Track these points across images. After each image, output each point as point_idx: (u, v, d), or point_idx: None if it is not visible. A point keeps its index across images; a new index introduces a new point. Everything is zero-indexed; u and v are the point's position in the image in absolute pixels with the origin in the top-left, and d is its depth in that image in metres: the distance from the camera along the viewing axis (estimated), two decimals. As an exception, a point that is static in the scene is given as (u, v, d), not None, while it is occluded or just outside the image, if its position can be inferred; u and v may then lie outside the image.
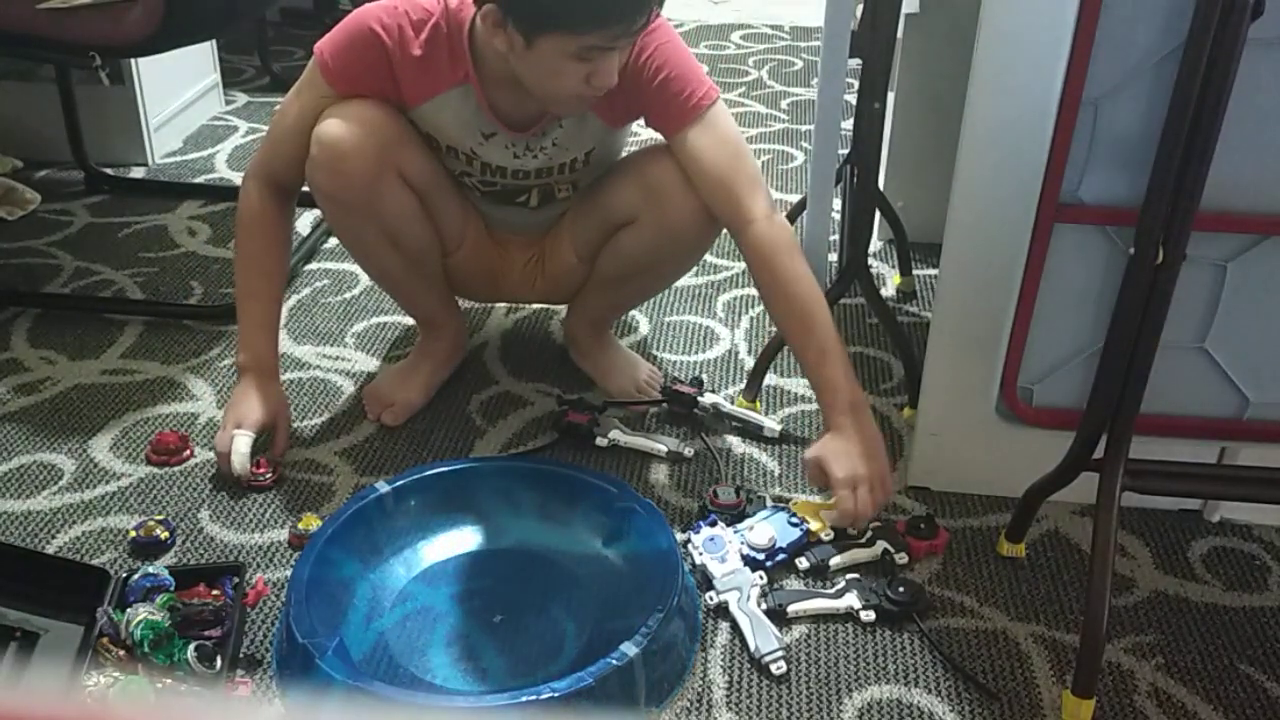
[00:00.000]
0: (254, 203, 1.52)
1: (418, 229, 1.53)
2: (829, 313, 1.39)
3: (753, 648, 1.24)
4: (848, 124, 2.23)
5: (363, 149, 1.40)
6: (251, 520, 1.45)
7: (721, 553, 1.34)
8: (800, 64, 3.16)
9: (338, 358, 1.79)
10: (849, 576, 1.34)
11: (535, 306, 1.92)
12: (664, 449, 1.54)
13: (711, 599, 1.31)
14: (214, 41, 2.71)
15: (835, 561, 1.36)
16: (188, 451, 1.55)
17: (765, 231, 1.40)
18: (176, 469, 1.53)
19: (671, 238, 1.50)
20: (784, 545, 1.36)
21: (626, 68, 1.38)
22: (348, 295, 1.96)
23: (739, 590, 1.30)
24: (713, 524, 1.39)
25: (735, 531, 1.37)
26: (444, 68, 1.42)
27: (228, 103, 2.81)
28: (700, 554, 1.35)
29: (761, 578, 1.32)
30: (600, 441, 1.55)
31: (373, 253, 1.54)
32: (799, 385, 1.72)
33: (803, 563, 1.36)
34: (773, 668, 1.22)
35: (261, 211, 1.52)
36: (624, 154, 1.60)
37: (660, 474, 1.53)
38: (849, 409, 1.35)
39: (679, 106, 1.41)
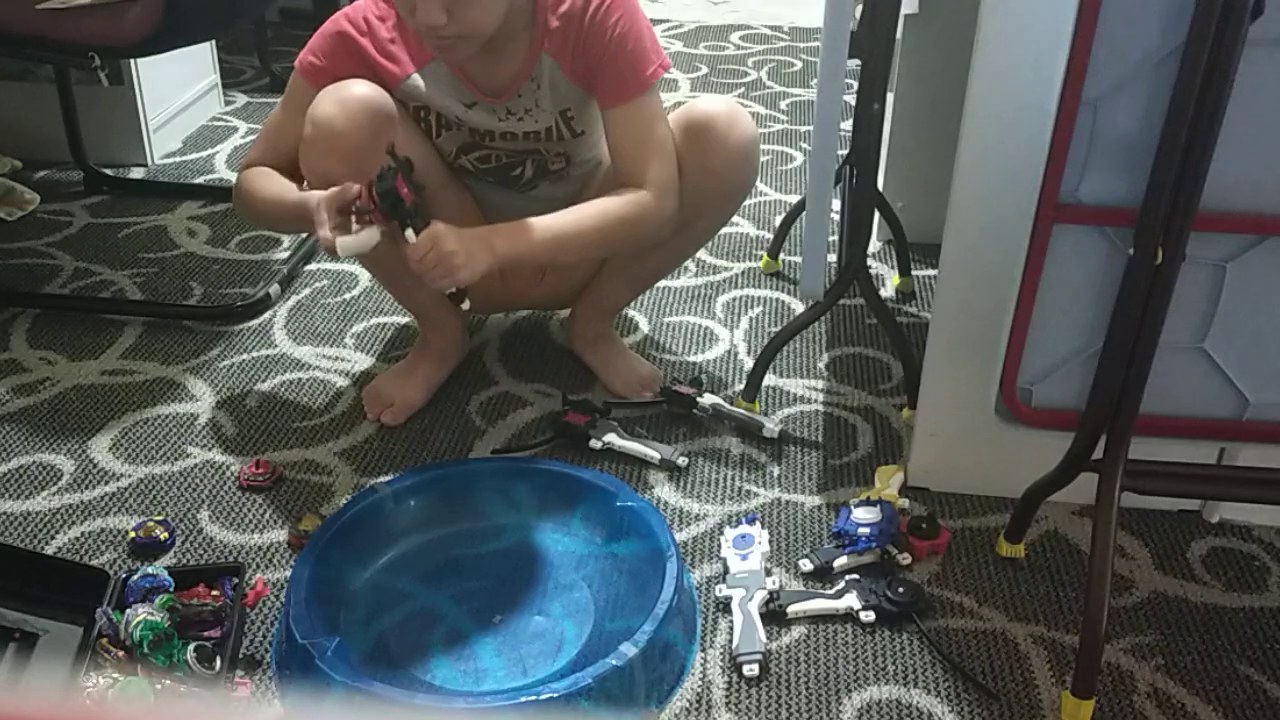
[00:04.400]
0: (248, 171, 1.52)
1: None
2: (588, 232, 1.46)
3: (734, 646, 1.24)
4: (847, 124, 2.23)
5: (357, 129, 1.42)
6: (251, 520, 1.44)
7: (746, 550, 1.35)
8: (799, 65, 3.16)
9: (337, 358, 1.79)
10: (849, 577, 1.34)
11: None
12: (657, 456, 1.54)
13: (720, 591, 1.32)
14: (213, 42, 2.71)
15: (840, 563, 1.36)
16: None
17: (644, 197, 1.46)
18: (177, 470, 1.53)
19: (714, 179, 1.53)
20: (879, 530, 1.38)
21: (585, 23, 1.43)
22: (347, 296, 1.96)
23: (745, 589, 1.30)
24: (752, 523, 1.40)
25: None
26: (414, 45, 1.47)
27: (227, 103, 2.81)
28: (726, 545, 1.37)
29: (774, 582, 1.32)
30: (594, 444, 1.55)
31: None
32: (798, 386, 1.72)
33: (806, 564, 1.36)
34: (745, 669, 1.22)
35: (259, 170, 1.51)
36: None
37: (659, 475, 1.53)
38: (492, 235, 1.42)
39: (624, 82, 1.46)
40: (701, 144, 1.50)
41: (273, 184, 1.49)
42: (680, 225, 1.58)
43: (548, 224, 1.44)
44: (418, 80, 1.49)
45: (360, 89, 1.43)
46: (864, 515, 1.39)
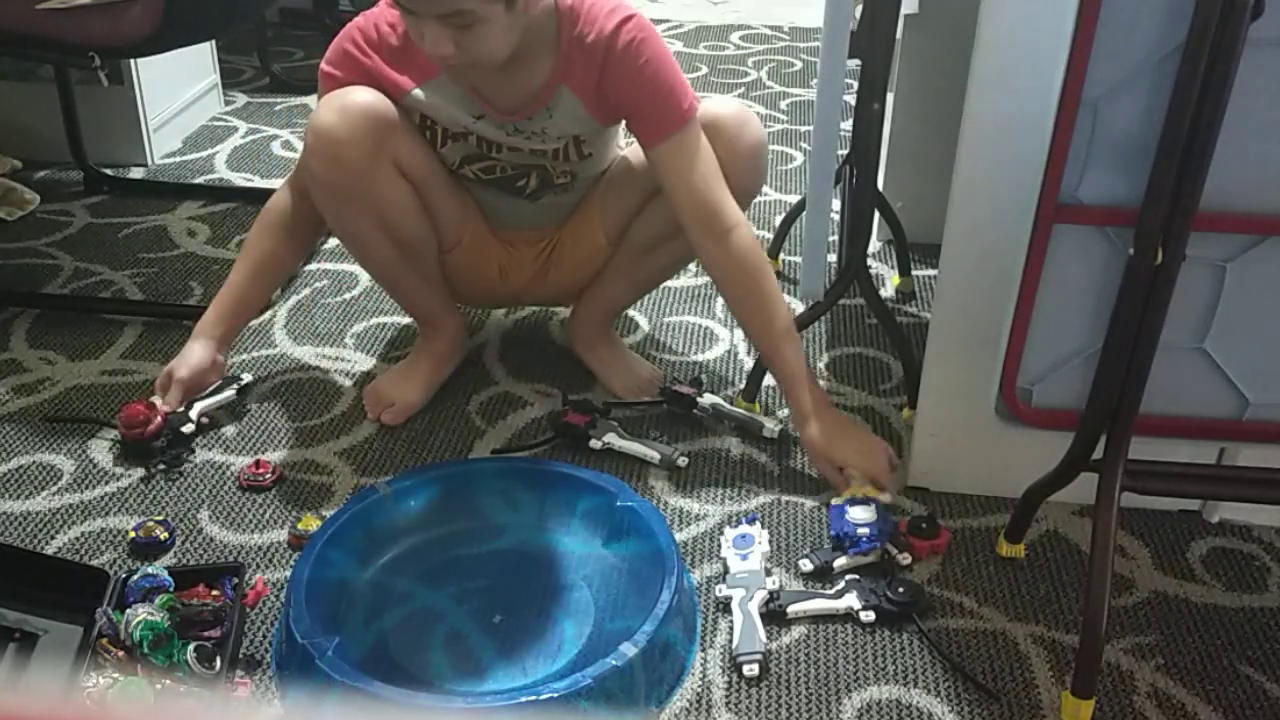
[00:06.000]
0: (275, 198, 1.62)
1: (413, 220, 1.54)
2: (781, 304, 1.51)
3: (734, 646, 1.24)
4: (847, 124, 2.23)
5: (358, 137, 1.42)
6: (251, 520, 1.44)
7: (746, 550, 1.35)
8: (799, 65, 3.16)
9: (337, 358, 1.79)
10: (849, 577, 1.34)
11: (534, 307, 1.92)
12: (657, 456, 1.54)
13: (720, 591, 1.31)
14: (213, 42, 2.71)
15: (840, 563, 1.36)
16: (159, 420, 1.56)
17: (746, 237, 1.48)
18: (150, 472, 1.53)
19: (727, 176, 1.51)
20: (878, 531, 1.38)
21: (611, 58, 1.42)
22: (347, 296, 1.96)
23: (745, 589, 1.30)
24: (752, 523, 1.40)
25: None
26: (423, 56, 1.44)
27: (227, 103, 2.81)
28: (726, 545, 1.37)
29: (774, 582, 1.32)
30: (594, 444, 1.55)
31: (368, 244, 1.55)
32: (798, 386, 1.72)
33: (806, 565, 1.36)
34: (745, 669, 1.22)
35: (275, 205, 1.62)
36: (617, 157, 1.63)
37: (659, 474, 1.53)
38: (821, 399, 1.49)
39: (665, 116, 1.44)
40: (711, 143, 1.50)
41: (241, 255, 1.61)
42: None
43: (785, 333, 1.49)
44: (426, 91, 1.48)
45: (361, 96, 1.43)
46: (860, 515, 1.39)
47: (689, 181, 1.46)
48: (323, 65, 1.50)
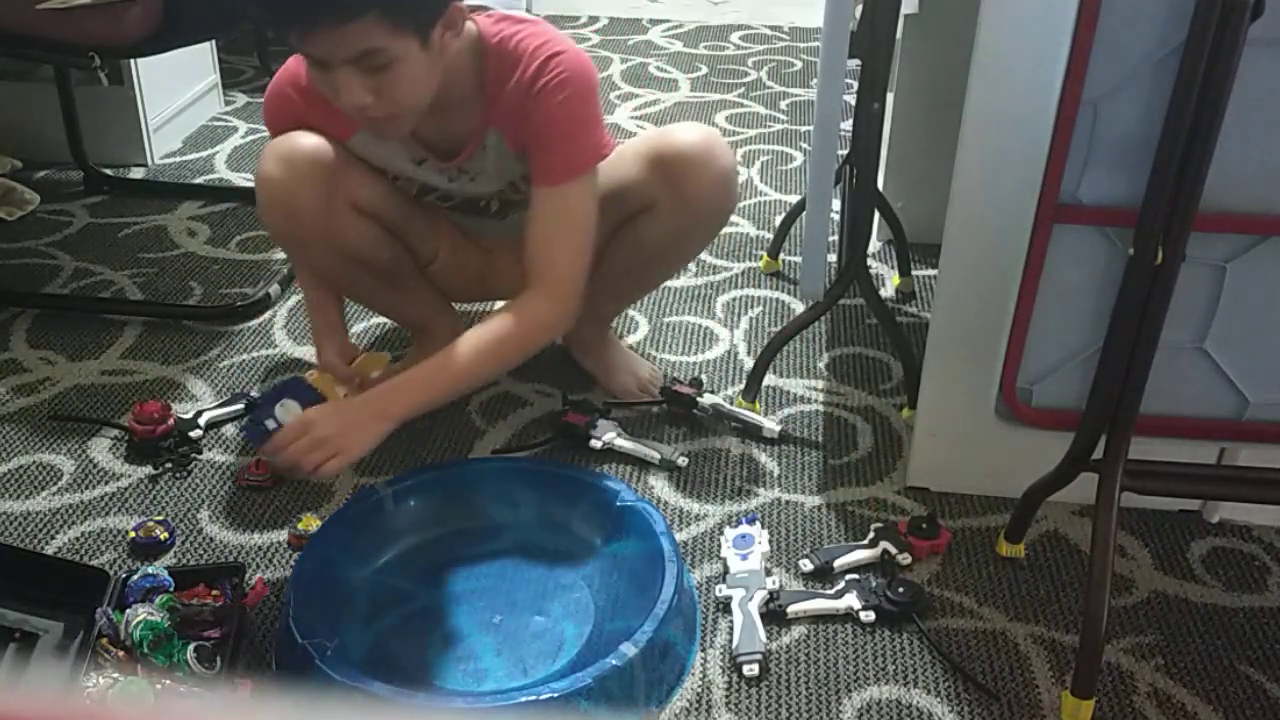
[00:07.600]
0: None
1: (383, 250, 1.53)
2: (488, 362, 1.38)
3: (734, 646, 1.24)
4: (847, 124, 2.23)
5: (307, 187, 1.39)
6: (251, 520, 1.44)
7: (746, 550, 1.35)
8: (799, 65, 3.16)
9: (337, 358, 1.79)
10: (849, 577, 1.34)
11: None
12: (658, 456, 1.54)
13: (720, 591, 1.32)
14: (213, 42, 2.71)
15: (840, 563, 1.36)
16: (170, 421, 1.57)
17: (540, 307, 1.38)
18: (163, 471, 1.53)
19: (692, 214, 1.49)
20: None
21: (531, 94, 1.35)
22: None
23: (745, 589, 1.30)
24: (752, 522, 1.40)
25: None
26: None
27: (227, 103, 2.81)
28: (727, 545, 1.38)
29: (774, 582, 1.32)
30: (595, 444, 1.55)
31: (341, 278, 1.54)
32: (798, 386, 1.72)
33: (806, 565, 1.36)
34: (745, 668, 1.22)
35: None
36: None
37: (659, 475, 1.53)
38: (378, 399, 1.33)
39: (562, 164, 1.38)
40: (676, 178, 1.45)
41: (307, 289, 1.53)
42: (665, 250, 1.57)
43: (444, 368, 1.35)
44: (365, 139, 1.44)
45: (305, 142, 1.39)
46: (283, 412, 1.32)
47: (548, 235, 1.38)
48: (264, 113, 1.47)
